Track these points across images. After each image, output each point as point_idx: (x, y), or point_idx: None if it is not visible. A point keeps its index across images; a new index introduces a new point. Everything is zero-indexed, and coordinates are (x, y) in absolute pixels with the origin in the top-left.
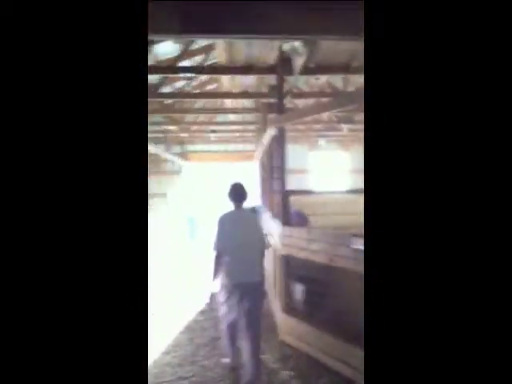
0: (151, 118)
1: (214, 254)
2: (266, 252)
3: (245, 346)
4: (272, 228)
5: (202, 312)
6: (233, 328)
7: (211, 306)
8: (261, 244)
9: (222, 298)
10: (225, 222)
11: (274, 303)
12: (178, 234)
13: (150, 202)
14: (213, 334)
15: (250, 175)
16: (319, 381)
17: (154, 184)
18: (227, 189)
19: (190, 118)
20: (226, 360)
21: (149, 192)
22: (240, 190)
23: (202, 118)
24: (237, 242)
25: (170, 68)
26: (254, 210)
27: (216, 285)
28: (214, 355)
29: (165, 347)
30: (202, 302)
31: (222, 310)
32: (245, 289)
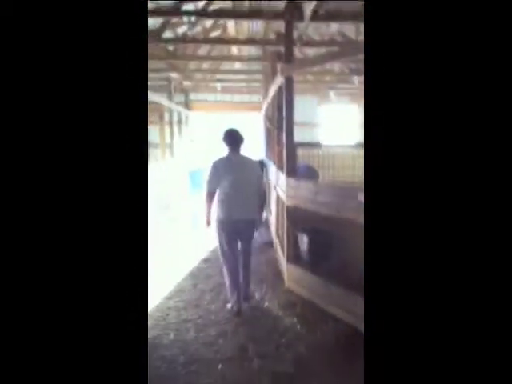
0: (153, 64)
1: (205, 193)
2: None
3: (242, 260)
4: (278, 180)
5: (206, 260)
6: (234, 272)
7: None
8: (257, 185)
9: (218, 234)
10: (218, 165)
11: (279, 253)
12: (181, 185)
13: (154, 152)
14: (217, 281)
15: (256, 126)
16: (322, 327)
17: (156, 134)
18: (221, 135)
19: (193, 65)
20: (229, 305)
21: (151, 142)
22: (235, 135)
23: (206, 66)
24: (232, 184)
25: (171, 11)
26: (261, 163)
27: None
28: (218, 300)
29: (168, 292)
30: (204, 251)
31: (219, 244)
32: (240, 225)
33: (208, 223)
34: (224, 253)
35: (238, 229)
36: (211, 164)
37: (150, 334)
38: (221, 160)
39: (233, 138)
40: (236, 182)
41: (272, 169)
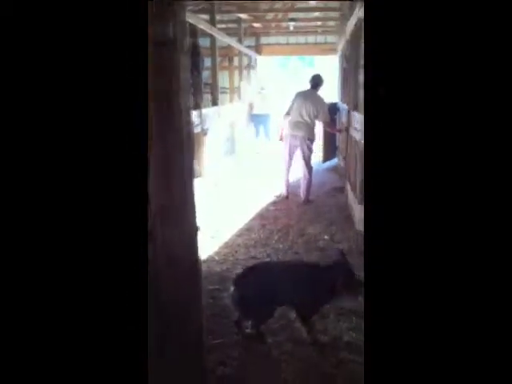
0: (222, 5)
1: (284, 114)
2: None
3: (303, 171)
4: (352, 120)
5: (274, 203)
6: (287, 172)
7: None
8: (322, 115)
9: (285, 143)
10: (295, 95)
11: (351, 196)
12: (248, 130)
13: (223, 96)
14: (285, 222)
15: (331, 69)
16: None
17: (225, 78)
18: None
19: (264, 5)
20: (283, 193)
21: (220, 86)
22: (316, 78)
23: (278, 6)
24: (297, 108)
25: None
26: (334, 105)
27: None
28: (286, 240)
29: (237, 230)
30: (271, 196)
31: (285, 148)
32: (302, 139)
33: (280, 138)
34: (284, 156)
35: (296, 141)
36: (295, 94)
37: (219, 267)
38: (299, 92)
39: (314, 81)
40: (300, 107)
41: (345, 111)
